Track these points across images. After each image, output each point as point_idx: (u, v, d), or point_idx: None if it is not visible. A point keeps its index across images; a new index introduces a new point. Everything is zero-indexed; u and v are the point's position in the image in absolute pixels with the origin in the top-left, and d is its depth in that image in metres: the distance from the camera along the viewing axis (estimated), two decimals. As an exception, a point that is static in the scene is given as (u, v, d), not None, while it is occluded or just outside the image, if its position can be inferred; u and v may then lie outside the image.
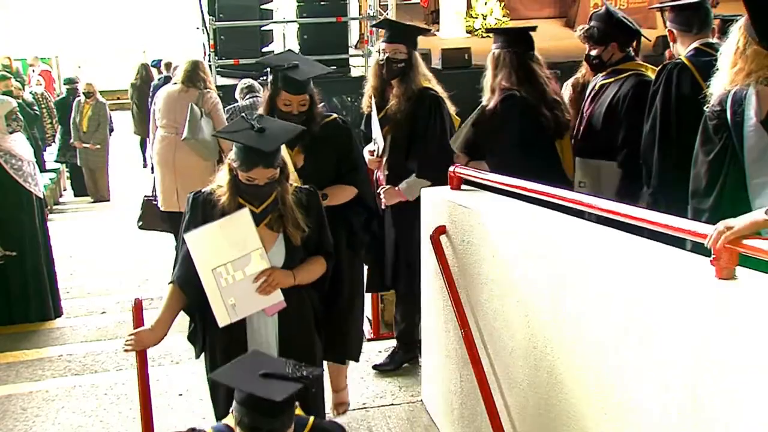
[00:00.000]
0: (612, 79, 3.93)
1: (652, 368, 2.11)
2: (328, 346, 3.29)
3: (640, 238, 2.45)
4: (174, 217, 6.13)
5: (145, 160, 12.24)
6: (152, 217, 6.58)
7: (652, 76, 3.72)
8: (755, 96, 2.62)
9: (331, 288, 3.20)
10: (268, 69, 3.65)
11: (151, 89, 10.81)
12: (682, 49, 3.60)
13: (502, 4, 13.81)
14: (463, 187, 3.54)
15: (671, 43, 3.72)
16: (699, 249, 2.19)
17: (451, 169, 3.57)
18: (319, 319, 3.11)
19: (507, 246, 2.91)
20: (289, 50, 4.29)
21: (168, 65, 11.00)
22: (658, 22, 10.78)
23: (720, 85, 2.71)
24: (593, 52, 3.97)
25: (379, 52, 4.11)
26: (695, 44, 3.56)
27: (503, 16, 13.74)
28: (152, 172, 6.68)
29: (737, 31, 2.64)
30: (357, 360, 3.96)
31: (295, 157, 3.47)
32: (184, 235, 2.88)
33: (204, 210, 2.92)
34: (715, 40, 3.59)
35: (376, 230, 3.93)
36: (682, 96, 3.44)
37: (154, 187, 6.42)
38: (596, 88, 3.99)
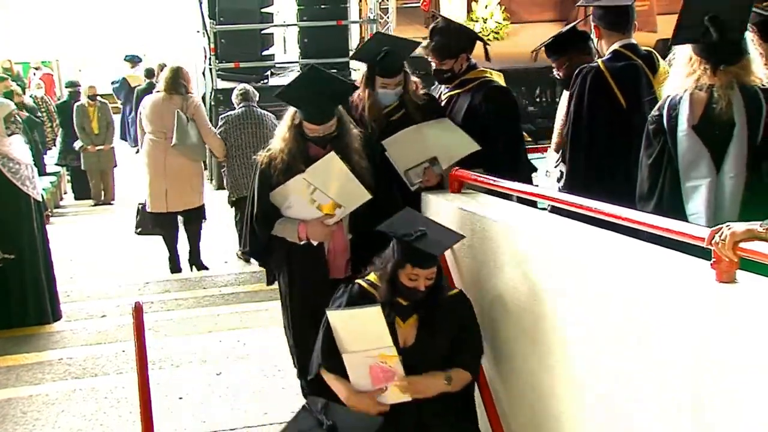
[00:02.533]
0: (460, 90, 3.86)
1: (653, 371, 2.11)
2: None
3: (640, 242, 2.45)
4: (160, 217, 6.68)
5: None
6: (147, 222, 6.92)
7: (501, 81, 3.86)
8: (688, 102, 2.71)
9: None
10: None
11: (135, 95, 11.25)
12: (605, 47, 3.71)
13: (503, 7, 13.81)
14: (464, 190, 3.54)
15: (595, 39, 3.80)
16: (693, 251, 2.19)
17: (451, 170, 3.57)
18: None
19: (507, 248, 2.91)
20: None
21: (150, 72, 11.56)
22: (659, 26, 10.79)
23: (668, 92, 2.85)
24: (445, 67, 3.84)
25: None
26: (616, 45, 3.67)
27: (504, 19, 13.74)
28: None
29: (686, 48, 2.80)
30: None
31: (406, 331, 2.88)
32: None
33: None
34: (633, 42, 3.70)
35: None
36: (593, 100, 3.56)
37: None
38: (443, 100, 3.93)
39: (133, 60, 13.63)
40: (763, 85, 2.75)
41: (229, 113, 6.84)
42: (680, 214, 2.67)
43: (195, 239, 6.91)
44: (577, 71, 3.67)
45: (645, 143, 2.91)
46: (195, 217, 6.79)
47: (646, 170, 2.89)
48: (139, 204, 7.31)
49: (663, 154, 2.82)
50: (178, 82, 6.48)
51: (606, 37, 3.72)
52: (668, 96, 2.84)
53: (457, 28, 3.97)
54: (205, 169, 6.96)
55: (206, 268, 6.94)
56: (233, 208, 6.94)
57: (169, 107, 6.42)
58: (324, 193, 3.24)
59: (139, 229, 7.44)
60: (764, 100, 2.74)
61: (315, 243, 3.36)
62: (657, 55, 3.74)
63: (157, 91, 6.67)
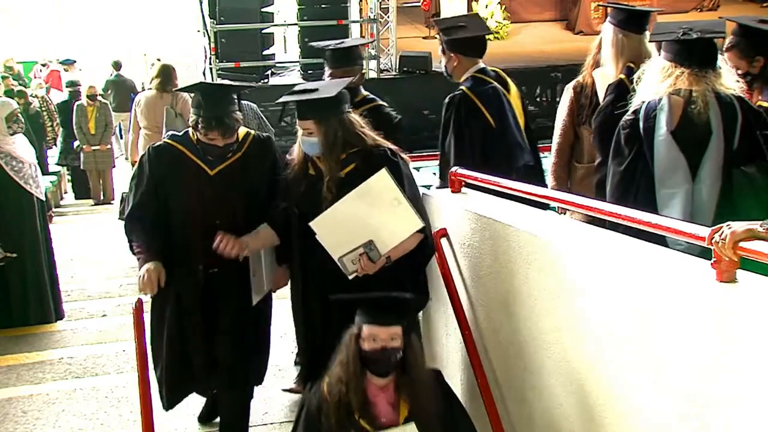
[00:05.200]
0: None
1: (653, 370, 2.11)
2: None
3: (641, 241, 2.45)
4: None
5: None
6: None
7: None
8: (667, 106, 2.73)
9: None
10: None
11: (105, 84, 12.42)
12: (461, 73, 3.95)
13: (503, 7, 13.82)
14: (464, 189, 3.55)
15: (447, 62, 4.01)
16: (693, 251, 2.20)
17: (452, 170, 3.58)
18: None
19: (507, 249, 2.91)
20: None
21: (117, 64, 12.78)
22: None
23: (641, 98, 2.91)
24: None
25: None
26: (472, 71, 3.93)
27: (504, 19, 13.75)
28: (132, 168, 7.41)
29: (659, 59, 2.94)
30: None
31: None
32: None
33: None
34: (484, 66, 3.98)
35: None
36: (468, 122, 3.81)
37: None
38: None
39: (68, 63, 13.90)
40: (736, 94, 2.81)
41: None
42: None
43: None
44: (448, 99, 3.92)
45: (614, 151, 2.95)
46: None
47: (618, 176, 2.91)
48: (123, 193, 7.82)
49: (637, 160, 2.84)
50: (169, 80, 7.08)
51: (462, 63, 3.97)
52: (643, 101, 2.87)
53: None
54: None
55: None
56: None
57: (161, 103, 7.04)
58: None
59: (122, 216, 7.83)
60: (739, 108, 2.78)
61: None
62: (504, 74, 4.07)
63: (149, 89, 7.34)
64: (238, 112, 3.17)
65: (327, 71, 3.98)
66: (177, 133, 3.30)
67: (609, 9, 3.96)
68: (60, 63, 13.95)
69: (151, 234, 3.21)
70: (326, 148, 2.96)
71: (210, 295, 3.26)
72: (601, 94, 3.87)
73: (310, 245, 2.99)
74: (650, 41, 3.03)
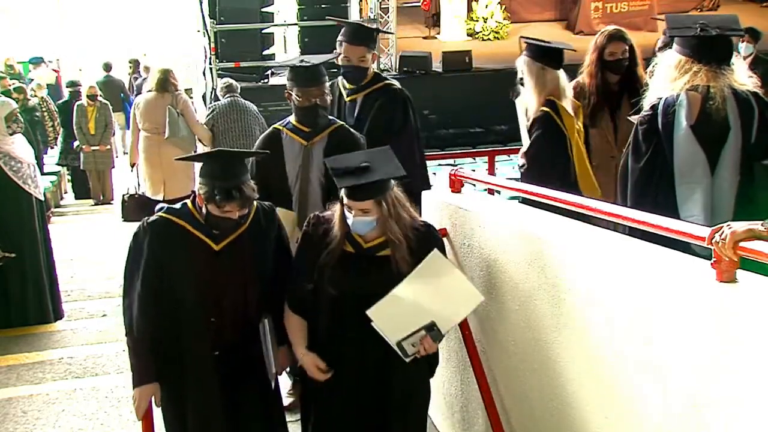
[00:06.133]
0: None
1: (653, 370, 2.11)
2: None
3: (640, 242, 2.45)
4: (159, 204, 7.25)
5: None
6: (132, 210, 7.79)
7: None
8: (686, 101, 2.74)
9: None
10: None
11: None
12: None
13: (503, 7, 13.80)
14: (464, 189, 3.55)
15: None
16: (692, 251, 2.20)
17: (451, 171, 3.58)
18: None
19: (507, 249, 2.91)
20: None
21: (107, 65, 13.23)
22: (659, 26, 10.79)
23: (654, 95, 2.92)
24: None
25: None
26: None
27: (504, 19, 13.74)
28: (131, 170, 7.91)
29: (673, 53, 2.94)
30: None
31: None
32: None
33: None
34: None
35: None
36: None
37: (138, 184, 7.68)
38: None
39: (34, 62, 13.95)
40: (751, 90, 2.82)
41: (216, 103, 7.58)
42: (677, 214, 2.70)
43: None
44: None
45: (633, 146, 2.94)
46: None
47: (637, 173, 2.92)
48: (123, 195, 8.12)
49: (656, 156, 2.85)
50: (168, 81, 7.26)
51: None
52: (660, 97, 2.88)
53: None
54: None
55: None
56: None
57: (161, 104, 7.19)
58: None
59: (124, 218, 8.16)
60: (755, 103, 2.80)
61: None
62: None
63: (149, 91, 7.44)
64: (251, 180, 2.88)
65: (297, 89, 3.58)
66: (173, 207, 2.96)
67: (526, 44, 4.11)
68: (29, 62, 13.90)
69: (149, 354, 2.89)
70: (391, 224, 2.76)
71: (226, 381, 2.95)
72: (522, 121, 4.06)
73: (341, 325, 2.84)
74: (668, 35, 3.04)
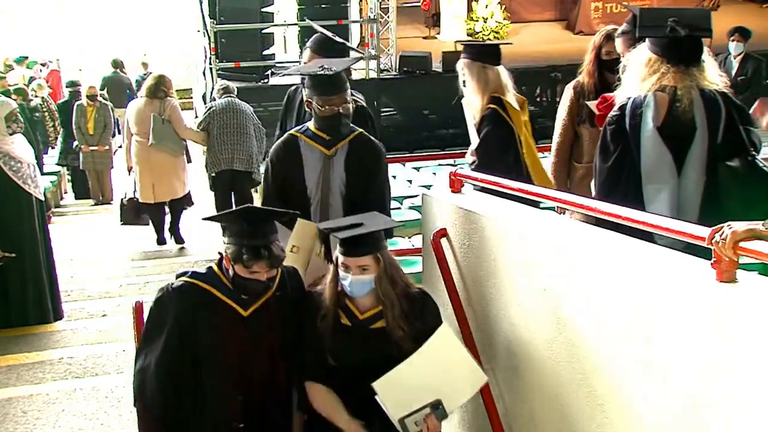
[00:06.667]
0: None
1: (653, 370, 2.11)
2: None
3: (641, 242, 2.45)
4: (150, 207, 7.81)
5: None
6: (129, 213, 7.95)
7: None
8: (653, 102, 2.75)
9: None
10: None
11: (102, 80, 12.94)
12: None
13: (503, 7, 13.81)
14: (464, 189, 3.54)
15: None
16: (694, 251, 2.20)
17: (451, 171, 3.58)
18: None
19: (508, 249, 2.91)
20: None
21: (116, 62, 13.86)
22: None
23: (624, 95, 2.93)
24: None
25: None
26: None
27: (504, 19, 13.74)
28: (129, 174, 8.03)
29: (644, 50, 2.94)
30: None
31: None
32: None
33: None
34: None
35: None
36: None
37: (135, 189, 7.78)
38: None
39: (19, 61, 14.05)
40: (719, 89, 2.83)
41: (212, 104, 7.77)
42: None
43: (176, 218, 8.01)
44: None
45: (601, 146, 2.96)
46: (178, 202, 7.87)
47: (605, 173, 2.93)
48: (121, 198, 8.23)
49: (623, 156, 2.86)
50: (158, 88, 7.48)
51: None
52: (629, 97, 2.89)
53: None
54: (189, 162, 7.93)
55: (183, 241, 8.03)
56: (213, 190, 7.81)
57: (149, 110, 7.44)
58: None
59: (123, 221, 8.22)
60: (722, 103, 2.80)
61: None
62: None
63: (141, 97, 7.68)
64: (279, 240, 2.75)
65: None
66: (198, 271, 2.84)
67: (463, 46, 4.20)
68: (15, 62, 13.91)
69: (159, 423, 2.83)
70: (386, 286, 2.71)
71: None
72: (470, 121, 4.11)
73: (343, 395, 2.77)
74: (638, 36, 3.03)
